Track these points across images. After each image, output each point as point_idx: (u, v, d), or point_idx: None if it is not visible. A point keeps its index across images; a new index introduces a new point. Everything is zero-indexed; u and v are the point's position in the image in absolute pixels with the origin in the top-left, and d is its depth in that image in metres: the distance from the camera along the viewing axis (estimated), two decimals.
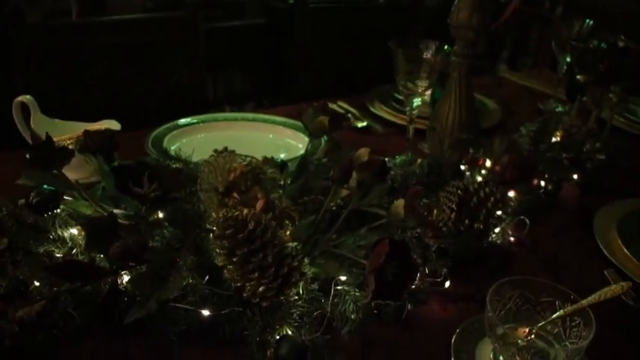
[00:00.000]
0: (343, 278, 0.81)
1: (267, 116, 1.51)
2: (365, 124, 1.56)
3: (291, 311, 0.79)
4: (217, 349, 0.79)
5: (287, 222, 0.91)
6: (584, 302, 0.79)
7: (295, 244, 0.79)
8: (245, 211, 0.75)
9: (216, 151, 0.95)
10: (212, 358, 0.79)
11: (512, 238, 1.07)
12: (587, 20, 1.73)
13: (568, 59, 1.68)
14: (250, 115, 1.52)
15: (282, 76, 2.59)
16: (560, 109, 1.71)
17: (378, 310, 0.84)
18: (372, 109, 1.64)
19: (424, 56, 1.20)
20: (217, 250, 0.76)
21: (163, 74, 1.80)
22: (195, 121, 1.47)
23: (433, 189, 1.01)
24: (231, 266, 0.74)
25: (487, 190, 0.96)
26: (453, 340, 0.82)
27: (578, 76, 1.50)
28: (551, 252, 1.08)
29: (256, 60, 2.95)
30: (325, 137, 1.30)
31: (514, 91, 2.04)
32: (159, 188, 0.85)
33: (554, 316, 0.80)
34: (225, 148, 0.96)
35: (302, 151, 1.18)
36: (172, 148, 1.32)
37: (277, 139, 1.44)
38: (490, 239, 1.03)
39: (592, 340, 0.73)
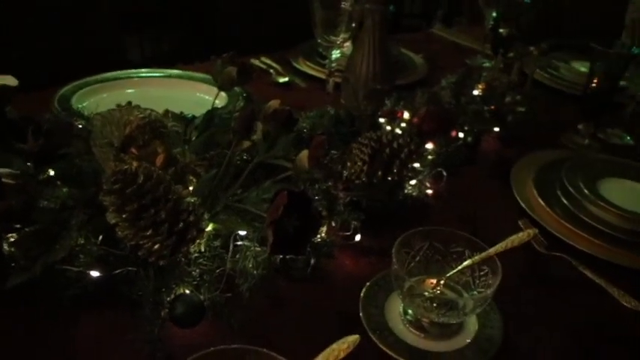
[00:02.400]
0: (243, 233, 0.77)
1: (183, 72, 1.44)
2: (287, 79, 1.51)
3: (191, 269, 0.75)
4: (113, 311, 0.75)
5: (191, 177, 0.87)
6: (492, 250, 0.78)
7: (194, 199, 0.74)
8: (135, 164, 0.70)
9: (118, 106, 0.89)
10: (109, 321, 0.74)
11: (429, 191, 1.05)
12: None
13: (494, 14, 1.67)
14: (167, 72, 1.44)
15: (211, 34, 2.50)
16: (487, 64, 1.70)
17: (285, 265, 0.81)
18: (296, 65, 1.59)
19: (342, 5, 1.16)
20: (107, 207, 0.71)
21: (77, 31, 1.69)
22: (107, 78, 1.39)
23: (346, 141, 0.98)
24: (122, 223, 0.69)
25: (401, 141, 0.94)
26: (361, 295, 0.80)
27: (501, 30, 1.49)
28: (469, 204, 1.07)
29: (186, 18, 2.84)
30: (242, 93, 1.26)
31: (444, 48, 2.02)
32: (46, 143, 0.78)
33: (462, 265, 0.79)
34: (129, 103, 0.90)
35: None
36: (80, 106, 1.24)
37: (193, 96, 1.37)
38: (406, 192, 1.01)
39: (503, 286, 0.72)
